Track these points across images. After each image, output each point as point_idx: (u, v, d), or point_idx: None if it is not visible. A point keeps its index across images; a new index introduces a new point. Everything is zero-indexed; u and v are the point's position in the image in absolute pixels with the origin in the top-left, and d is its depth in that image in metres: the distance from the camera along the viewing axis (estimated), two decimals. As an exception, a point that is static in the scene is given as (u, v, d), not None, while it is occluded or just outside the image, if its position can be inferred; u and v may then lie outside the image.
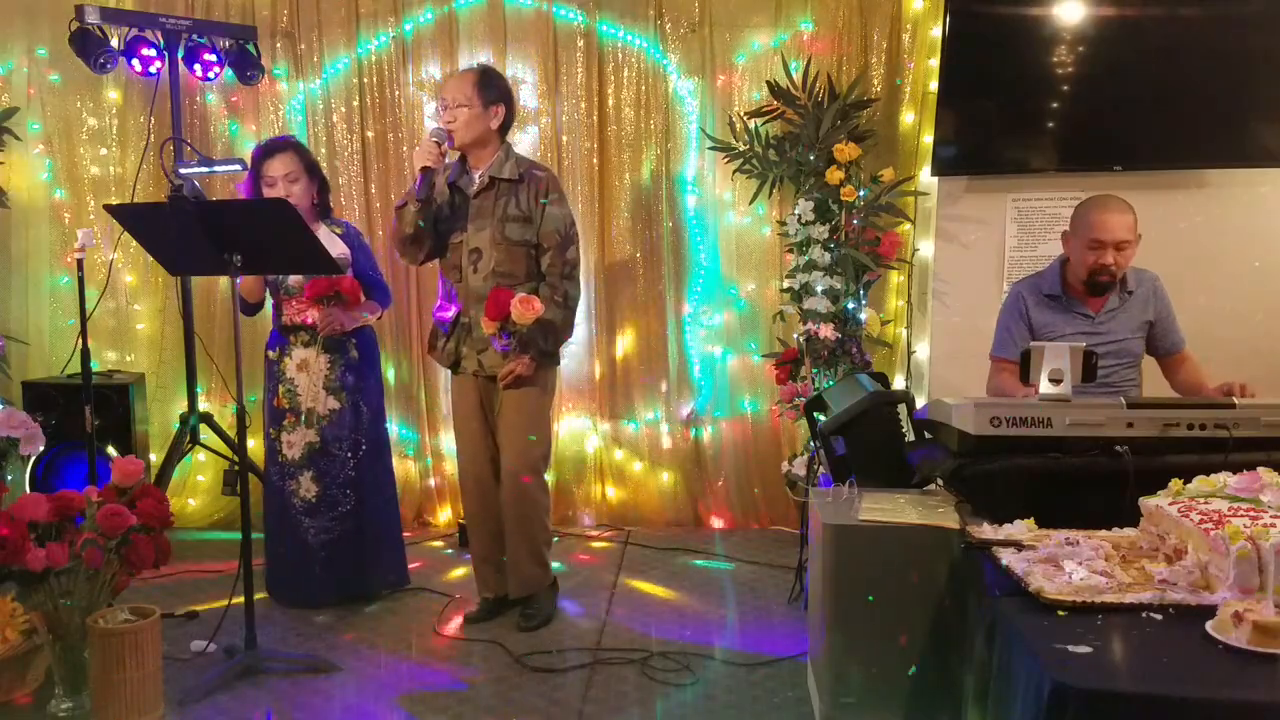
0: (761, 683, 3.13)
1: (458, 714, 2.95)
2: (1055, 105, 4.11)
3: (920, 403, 3.13)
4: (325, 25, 4.69)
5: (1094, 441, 2.40)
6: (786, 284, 4.41)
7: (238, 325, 3.23)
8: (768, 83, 4.38)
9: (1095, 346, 3.08)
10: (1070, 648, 1.66)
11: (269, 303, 3.82)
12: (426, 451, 4.87)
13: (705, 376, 4.80)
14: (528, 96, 4.70)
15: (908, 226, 4.47)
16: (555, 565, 3.80)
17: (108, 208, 3.28)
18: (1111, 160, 4.11)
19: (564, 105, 4.68)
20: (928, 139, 4.36)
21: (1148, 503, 2.14)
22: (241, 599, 3.19)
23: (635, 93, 4.67)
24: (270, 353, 3.79)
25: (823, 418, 3.05)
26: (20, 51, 4.77)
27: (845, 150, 4.18)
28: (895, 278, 4.58)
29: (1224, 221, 4.22)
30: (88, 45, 4.22)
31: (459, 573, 4.12)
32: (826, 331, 4.22)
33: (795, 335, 4.40)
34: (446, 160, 3.51)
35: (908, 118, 4.50)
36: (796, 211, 4.28)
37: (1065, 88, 4.07)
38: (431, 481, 4.88)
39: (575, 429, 4.84)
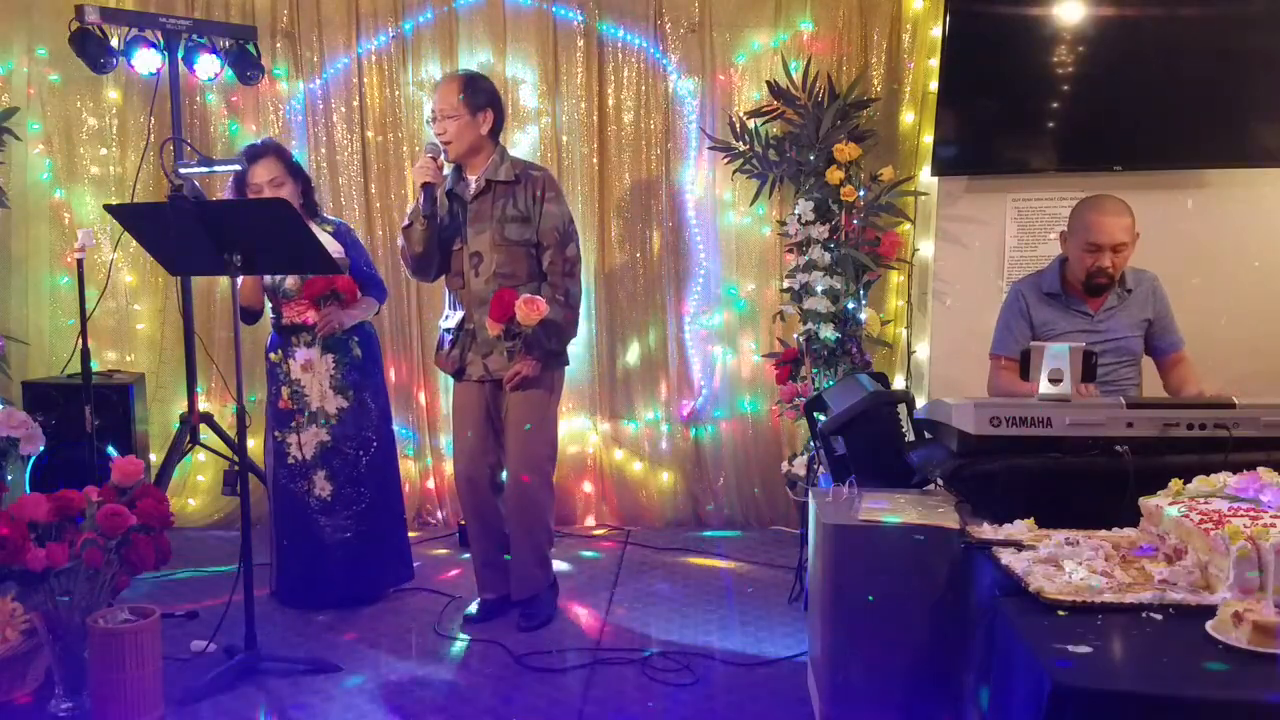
0: (761, 683, 3.13)
1: (458, 714, 2.95)
2: (1055, 105, 4.11)
3: (920, 403, 3.13)
4: (325, 25, 4.69)
5: (1094, 441, 2.40)
6: (786, 284, 4.41)
7: (237, 325, 3.23)
8: (768, 83, 4.38)
9: (1094, 344, 3.09)
10: (1070, 648, 1.66)
11: (268, 308, 3.81)
12: (427, 451, 4.87)
13: (705, 376, 4.80)
14: (528, 96, 4.70)
15: (908, 226, 4.47)
16: (556, 565, 3.80)
17: (108, 208, 3.28)
18: (1111, 160, 4.11)
19: (564, 105, 4.68)
20: (928, 139, 4.36)
21: (1148, 503, 2.14)
22: (242, 599, 3.19)
23: (635, 93, 4.67)
24: (271, 355, 3.79)
25: (823, 418, 3.05)
26: (20, 51, 4.77)
27: (845, 150, 4.18)
28: (895, 278, 4.58)
29: (1224, 221, 4.22)
30: (88, 45, 4.22)
31: (459, 573, 4.12)
32: (826, 331, 4.22)
33: (795, 335, 4.40)
34: (445, 173, 3.51)
35: (908, 118, 4.50)
36: (796, 211, 4.28)
37: (1065, 88, 4.07)
38: (431, 481, 4.88)
39: (575, 429, 4.84)
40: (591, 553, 4.46)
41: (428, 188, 3.42)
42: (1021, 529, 2.21)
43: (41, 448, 3.49)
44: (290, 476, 3.73)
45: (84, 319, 3.90)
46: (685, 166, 4.70)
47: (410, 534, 4.14)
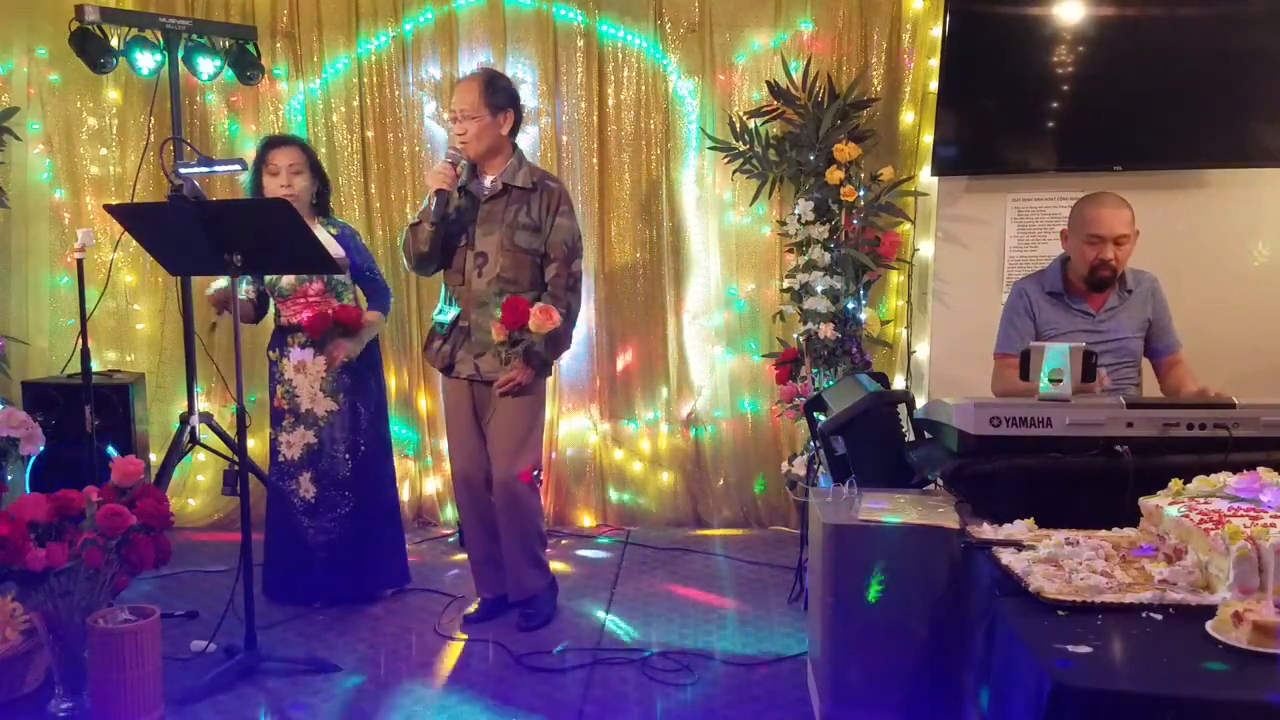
0: (761, 683, 3.13)
1: (457, 714, 2.95)
2: (1055, 105, 4.11)
3: (920, 403, 3.13)
4: (325, 25, 4.69)
5: (1094, 441, 2.40)
6: (786, 284, 4.41)
7: (237, 325, 3.23)
8: (768, 83, 4.38)
9: (1095, 344, 3.09)
10: (1070, 648, 1.66)
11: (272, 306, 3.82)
12: (426, 451, 4.87)
13: (705, 376, 4.80)
14: (528, 96, 4.69)
15: (908, 226, 4.47)
16: (556, 565, 3.80)
17: (108, 208, 3.28)
18: (1111, 160, 4.11)
19: (564, 105, 4.68)
20: (928, 139, 4.36)
21: (1148, 503, 2.14)
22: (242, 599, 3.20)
23: (635, 93, 4.67)
24: (270, 353, 3.81)
25: (823, 418, 3.05)
26: (20, 51, 4.77)
27: (845, 150, 4.18)
28: (895, 278, 4.58)
29: (1224, 221, 4.22)
30: (88, 45, 4.22)
31: (459, 573, 4.12)
32: (826, 331, 4.22)
33: (795, 335, 4.40)
34: (462, 180, 3.50)
35: (908, 118, 4.50)
36: (796, 211, 4.28)
37: (1065, 87, 4.07)
38: (431, 481, 4.88)
39: (575, 429, 4.84)
40: (591, 553, 4.46)
41: (441, 194, 3.41)
42: (1021, 529, 2.21)
43: (41, 448, 3.49)
44: (280, 475, 3.75)
45: (84, 319, 3.89)
46: (685, 166, 4.70)
47: (410, 534, 4.14)
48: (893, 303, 4.63)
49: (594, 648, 3.40)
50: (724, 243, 4.72)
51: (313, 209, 3.75)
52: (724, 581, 4.06)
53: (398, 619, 3.67)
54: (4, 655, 2.83)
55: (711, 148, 4.52)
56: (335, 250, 3.65)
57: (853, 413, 2.80)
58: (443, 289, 3.64)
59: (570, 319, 3.50)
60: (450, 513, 4.83)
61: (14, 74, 4.78)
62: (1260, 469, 2.16)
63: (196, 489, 4.91)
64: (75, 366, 4.03)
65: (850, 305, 4.28)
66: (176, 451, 4.46)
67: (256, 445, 4.77)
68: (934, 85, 4.25)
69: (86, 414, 3.89)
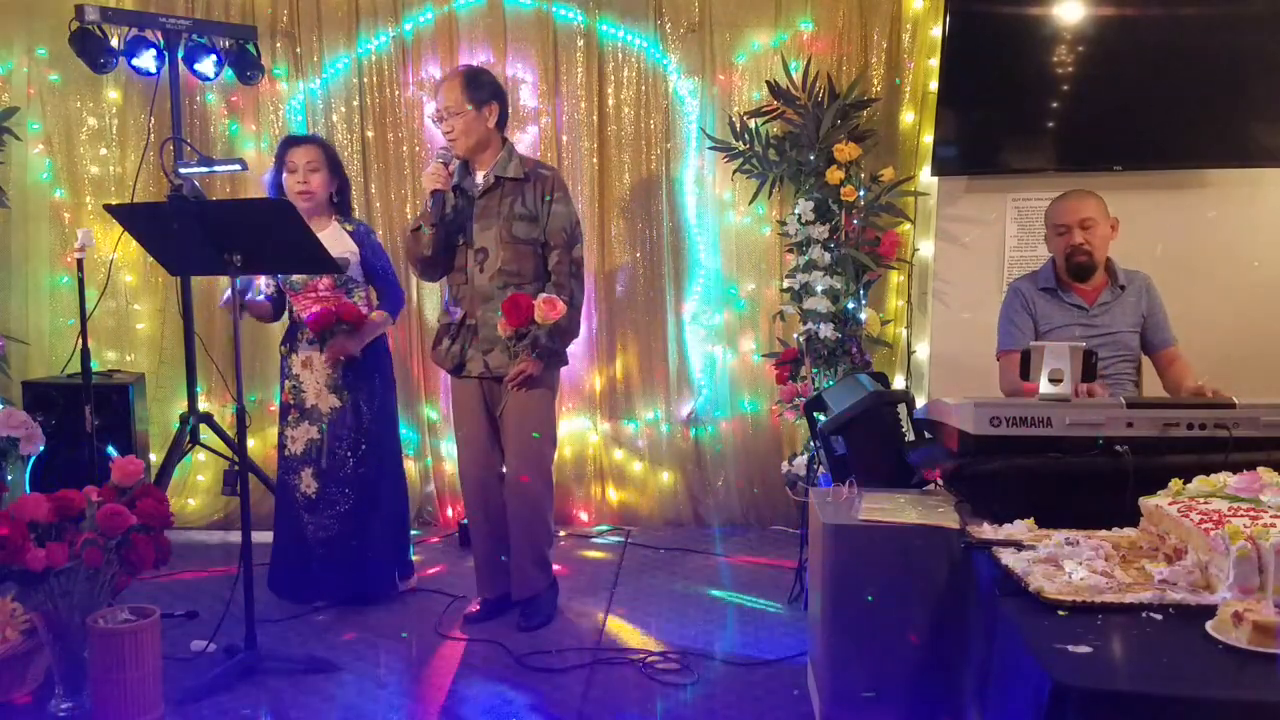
0: (761, 683, 3.13)
1: (458, 714, 2.95)
2: (1055, 105, 4.11)
3: (920, 403, 3.13)
4: (325, 25, 4.69)
5: (1094, 441, 2.40)
6: (786, 284, 4.41)
7: (237, 325, 3.24)
8: (768, 83, 4.38)
9: (1091, 337, 3.12)
10: (1070, 648, 1.66)
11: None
12: (426, 452, 4.87)
13: (705, 376, 4.80)
14: (528, 96, 4.70)
15: (908, 226, 4.47)
16: (556, 565, 3.80)
17: (108, 208, 3.28)
18: (1111, 160, 4.11)
19: (564, 105, 4.68)
20: (928, 139, 4.36)
21: (1148, 503, 2.14)
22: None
23: (635, 93, 4.67)
24: (282, 348, 3.83)
25: (823, 418, 3.05)
26: (20, 51, 4.77)
27: (845, 150, 4.18)
28: (895, 278, 4.58)
29: (1224, 221, 4.22)
30: (88, 45, 4.22)
31: (460, 573, 4.12)
32: (826, 331, 4.22)
33: (795, 335, 4.40)
34: (455, 179, 3.51)
35: (908, 118, 4.50)
36: (796, 211, 4.28)
37: (1065, 87, 4.07)
38: (431, 482, 4.88)
39: (575, 429, 4.84)
40: (591, 553, 4.46)
41: (437, 194, 3.41)
42: (1021, 529, 2.21)
43: (41, 448, 3.50)
44: (284, 470, 3.77)
45: (84, 319, 3.90)
46: (685, 166, 4.70)
47: (410, 534, 4.14)
48: (893, 303, 4.63)
49: (594, 648, 3.40)
50: (724, 243, 4.72)
51: (331, 206, 3.77)
52: (724, 581, 4.06)
53: (398, 619, 3.67)
54: (4, 655, 2.83)
55: (711, 148, 4.52)
56: (341, 246, 3.66)
57: (853, 413, 2.80)
58: (446, 289, 3.64)
59: (576, 306, 3.50)
60: (450, 513, 4.83)
61: (14, 74, 4.78)
62: (1260, 469, 2.16)
63: (196, 489, 4.91)
64: (75, 366, 4.04)
65: (850, 305, 4.28)
66: (176, 451, 4.47)
67: (256, 445, 4.78)
68: (934, 85, 4.25)
69: (86, 414, 3.89)
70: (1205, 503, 2.07)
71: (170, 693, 2.96)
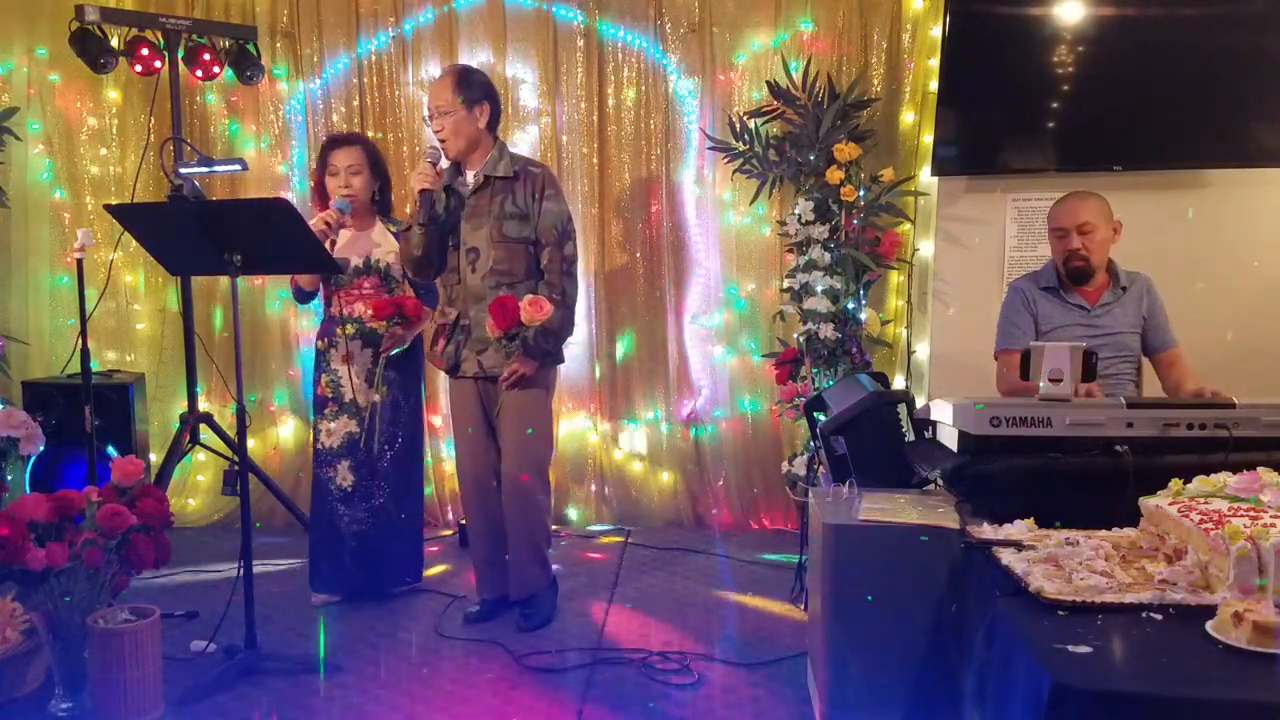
0: (761, 683, 3.13)
1: (458, 714, 2.95)
2: (1055, 105, 4.11)
3: (920, 403, 3.13)
4: (325, 25, 4.70)
5: (1094, 441, 2.40)
6: (786, 284, 4.41)
7: (237, 325, 3.24)
8: (768, 83, 4.38)
9: (1092, 338, 3.11)
10: (1070, 648, 1.66)
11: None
12: (426, 453, 4.86)
13: (705, 376, 4.80)
14: (528, 96, 4.70)
15: (908, 226, 4.47)
16: (556, 565, 3.80)
17: (108, 208, 3.28)
18: (1111, 160, 4.11)
19: (564, 105, 4.68)
20: (928, 139, 4.36)
21: (1148, 503, 2.14)
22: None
23: (635, 93, 4.67)
24: (319, 342, 3.84)
25: (823, 418, 3.05)
26: (20, 51, 4.77)
27: (845, 150, 4.18)
28: (895, 278, 4.58)
29: (1224, 221, 4.22)
30: (88, 45, 4.22)
31: (459, 573, 4.12)
32: (826, 331, 4.22)
33: (795, 335, 4.40)
34: (445, 179, 3.51)
35: (908, 118, 4.50)
36: (796, 211, 4.28)
37: (1065, 87, 4.07)
38: (431, 483, 4.88)
39: (575, 429, 4.85)
40: (591, 553, 4.46)
41: (425, 194, 3.41)
42: (1021, 529, 2.21)
43: (41, 448, 3.49)
44: (319, 463, 3.81)
45: (84, 319, 3.89)
46: (685, 166, 4.70)
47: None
48: (893, 303, 4.63)
49: (594, 648, 3.40)
50: (724, 243, 4.72)
51: (374, 206, 3.80)
52: (724, 581, 4.06)
53: (398, 619, 3.67)
54: (4, 655, 2.82)
55: (711, 148, 4.52)
56: (385, 247, 3.70)
57: (853, 413, 2.80)
58: (440, 290, 3.64)
59: (567, 304, 3.49)
60: (451, 514, 4.83)
61: (14, 74, 4.78)
62: (1260, 469, 2.16)
63: (196, 489, 4.91)
64: (75, 366, 4.04)
65: (850, 305, 4.28)
66: (176, 451, 4.47)
67: (256, 445, 4.78)
68: (934, 85, 4.25)
69: (86, 414, 3.89)
70: (1205, 503, 2.07)
71: (170, 693, 2.96)
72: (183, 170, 3.86)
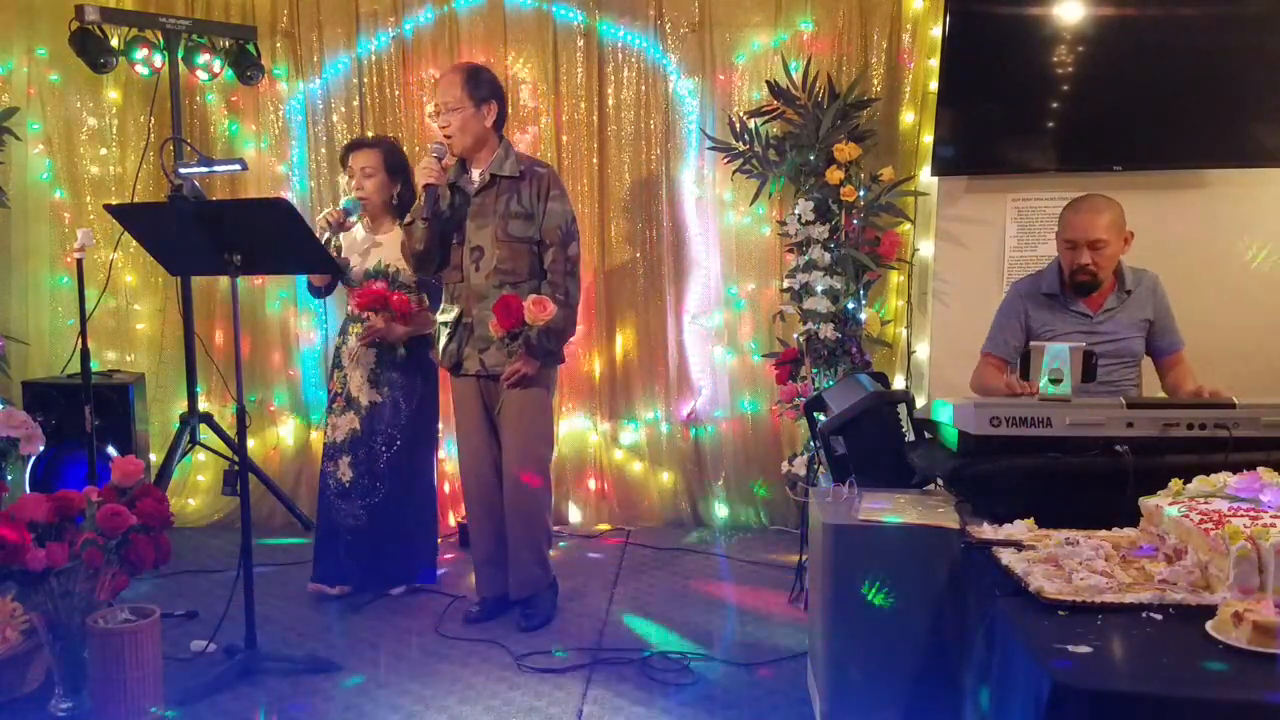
0: (761, 683, 3.13)
1: (457, 714, 2.95)
2: (1055, 105, 4.11)
3: (920, 403, 3.13)
4: (325, 25, 4.70)
5: (1094, 441, 2.40)
6: (786, 284, 4.41)
7: (237, 325, 3.24)
8: (768, 83, 4.38)
9: (1094, 346, 3.09)
10: (1070, 648, 1.66)
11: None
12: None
13: (705, 376, 4.80)
14: (528, 96, 4.70)
15: (908, 226, 4.47)
16: (556, 565, 3.80)
17: (108, 208, 3.28)
18: (1111, 160, 4.11)
19: (564, 105, 4.68)
20: (928, 139, 4.36)
21: (1148, 503, 2.14)
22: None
23: (635, 93, 4.67)
24: (337, 339, 3.92)
25: (823, 418, 3.05)
26: (20, 51, 4.77)
27: (845, 150, 4.18)
28: (895, 278, 4.58)
29: (1224, 221, 4.21)
30: (88, 45, 4.22)
31: (460, 573, 4.12)
32: (826, 331, 4.22)
33: (795, 335, 4.40)
34: (451, 176, 3.51)
35: (908, 118, 4.50)
36: (796, 211, 4.28)
37: (1065, 88, 4.07)
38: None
39: (575, 429, 4.85)
40: (591, 553, 4.46)
41: (430, 189, 3.41)
42: (1021, 529, 2.21)
43: (41, 448, 3.50)
44: (325, 456, 3.87)
45: (84, 319, 3.89)
46: (685, 166, 4.70)
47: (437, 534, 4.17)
48: (893, 303, 4.63)
49: (594, 648, 3.40)
50: (724, 243, 4.72)
51: (392, 209, 3.81)
52: (724, 581, 4.06)
53: (398, 619, 3.67)
54: (4, 655, 2.83)
55: (711, 148, 4.52)
56: (397, 250, 3.70)
57: (853, 413, 2.80)
58: (443, 288, 3.65)
59: (571, 305, 3.49)
60: (452, 515, 4.83)
61: (14, 74, 4.78)
62: (1260, 469, 2.16)
63: (196, 489, 4.91)
64: (75, 366, 4.04)
65: (850, 305, 4.28)
66: (176, 451, 4.47)
67: (256, 445, 4.78)
68: (934, 85, 4.24)
69: (86, 414, 3.89)
70: (1205, 503, 2.07)
71: (170, 693, 2.96)
72: (183, 170, 3.86)
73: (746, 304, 4.74)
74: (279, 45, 4.71)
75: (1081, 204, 3.23)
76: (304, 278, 3.90)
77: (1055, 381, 2.50)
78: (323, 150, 4.74)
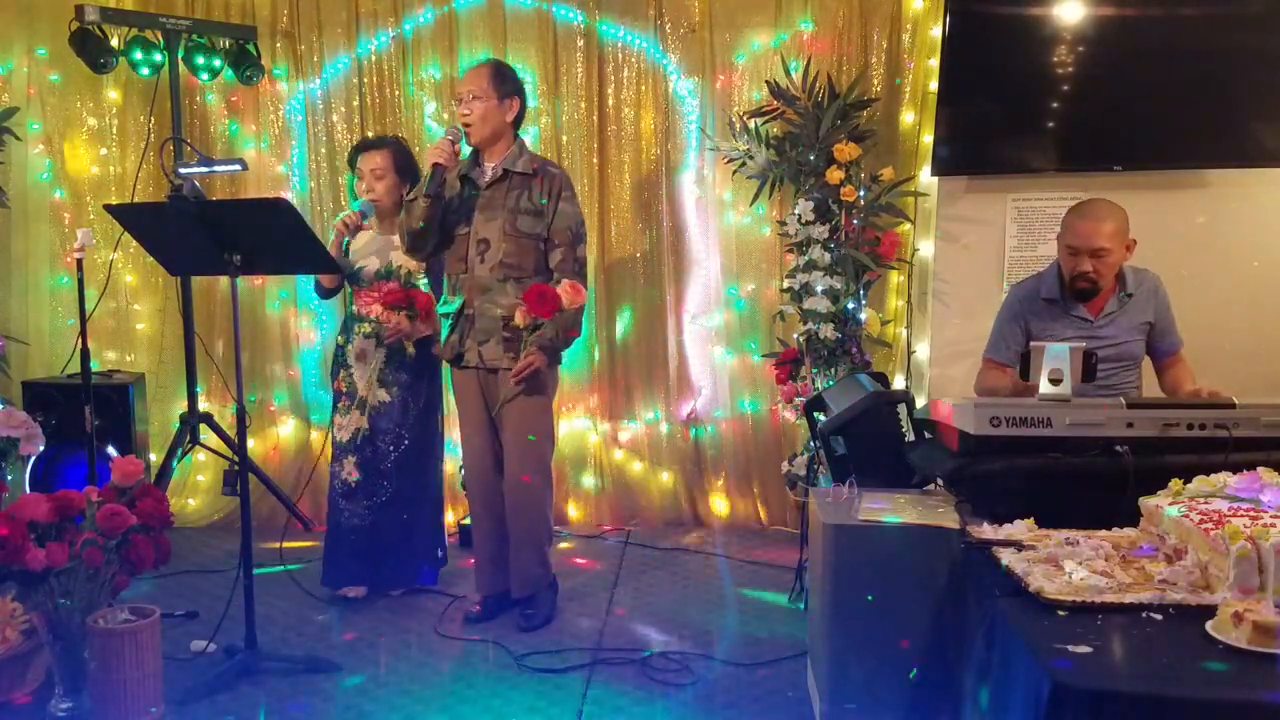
0: (761, 683, 3.13)
1: (458, 714, 2.95)
2: (1055, 105, 4.11)
3: (920, 403, 3.13)
4: (325, 25, 4.69)
5: (1094, 441, 2.40)
6: (786, 284, 4.40)
7: (237, 325, 3.24)
8: (768, 83, 4.38)
9: (1094, 350, 3.08)
10: (1070, 648, 1.66)
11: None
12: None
13: (705, 376, 4.80)
14: (528, 96, 4.69)
15: (908, 226, 4.47)
16: (556, 565, 3.80)
17: (108, 208, 3.28)
18: (1111, 160, 4.11)
19: (564, 105, 4.68)
20: (928, 139, 4.36)
21: (1148, 503, 2.14)
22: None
23: (635, 93, 4.67)
24: (339, 338, 3.90)
25: (823, 418, 3.05)
26: (20, 51, 4.77)
27: (845, 150, 4.18)
28: (895, 278, 4.58)
29: (1224, 221, 4.21)
30: (88, 45, 4.22)
31: (460, 573, 4.12)
32: (827, 331, 4.22)
33: (795, 335, 4.40)
34: (463, 168, 3.52)
35: (908, 118, 4.50)
36: (796, 211, 4.28)
37: (1065, 87, 4.07)
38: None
39: (575, 429, 4.84)
40: (592, 553, 4.45)
41: (438, 168, 3.42)
42: (1021, 529, 2.21)
43: (41, 448, 3.50)
44: (332, 457, 3.86)
45: (84, 319, 3.89)
46: (685, 166, 4.70)
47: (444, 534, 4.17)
48: (893, 303, 4.63)
49: (594, 648, 3.40)
50: (724, 243, 4.72)
51: (399, 209, 3.79)
52: (724, 581, 4.06)
53: (398, 619, 3.67)
54: (4, 655, 2.83)
55: (711, 148, 4.51)
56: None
57: (853, 413, 2.80)
58: (444, 280, 3.66)
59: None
60: (453, 514, 4.82)
61: (14, 74, 4.77)
62: (1260, 469, 2.16)
63: (196, 489, 4.90)
64: (75, 366, 4.04)
65: (850, 305, 4.28)
66: (176, 451, 4.47)
67: (256, 445, 4.78)
68: (934, 85, 4.24)
69: (86, 414, 3.89)
70: (1205, 503, 2.07)
71: (170, 693, 2.96)
72: (183, 170, 3.86)
73: (746, 304, 4.74)
74: (279, 45, 4.71)
75: (1086, 210, 3.19)
76: (311, 277, 3.90)
77: (1055, 382, 2.50)
78: (323, 150, 4.74)
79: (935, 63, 4.23)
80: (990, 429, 2.41)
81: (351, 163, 3.87)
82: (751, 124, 4.41)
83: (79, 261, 3.84)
